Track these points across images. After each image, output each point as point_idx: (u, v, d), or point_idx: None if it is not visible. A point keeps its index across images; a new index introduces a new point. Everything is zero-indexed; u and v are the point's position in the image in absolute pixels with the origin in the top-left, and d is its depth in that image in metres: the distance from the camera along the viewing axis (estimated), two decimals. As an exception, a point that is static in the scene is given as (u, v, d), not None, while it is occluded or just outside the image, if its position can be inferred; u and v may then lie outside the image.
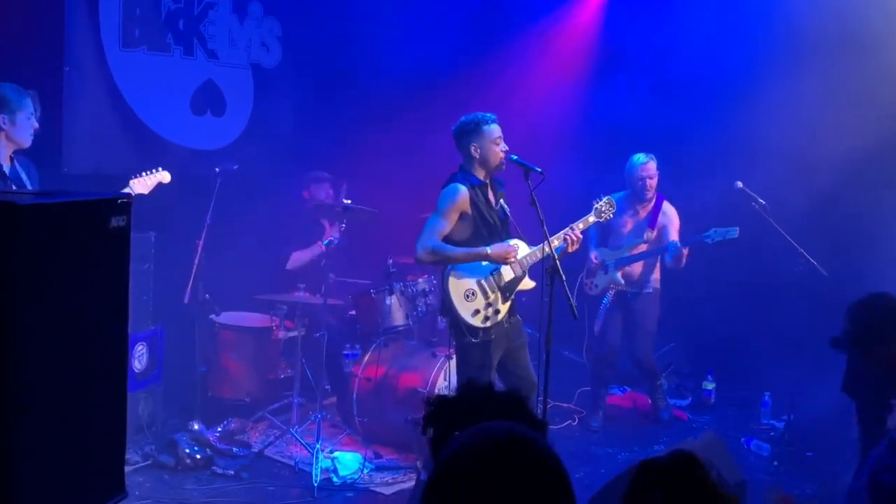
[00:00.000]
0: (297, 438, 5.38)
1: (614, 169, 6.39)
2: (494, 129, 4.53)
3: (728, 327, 6.61)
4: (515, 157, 4.47)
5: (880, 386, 3.41)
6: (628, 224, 6.10)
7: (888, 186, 5.86)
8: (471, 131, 4.53)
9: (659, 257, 6.02)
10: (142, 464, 5.02)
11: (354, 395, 5.56)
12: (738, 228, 5.66)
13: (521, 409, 1.95)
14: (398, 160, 6.90)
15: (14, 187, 4.11)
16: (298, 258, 6.22)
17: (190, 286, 5.38)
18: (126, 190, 4.64)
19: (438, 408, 1.99)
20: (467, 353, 4.53)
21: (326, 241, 5.61)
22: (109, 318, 2.61)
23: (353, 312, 5.98)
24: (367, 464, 5.17)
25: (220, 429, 5.51)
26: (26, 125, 4.15)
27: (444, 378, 5.39)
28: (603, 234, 6.18)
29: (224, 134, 6.64)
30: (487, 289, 4.54)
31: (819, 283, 5.70)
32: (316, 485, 4.86)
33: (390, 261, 5.81)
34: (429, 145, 6.22)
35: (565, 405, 6.44)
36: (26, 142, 4.18)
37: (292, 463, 5.22)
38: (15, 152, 4.20)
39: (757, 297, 6.58)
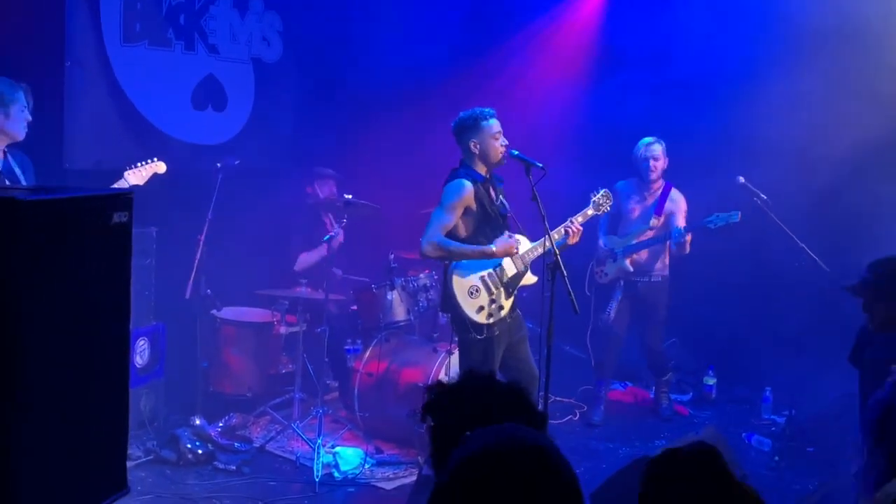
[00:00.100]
0: (298, 433, 5.39)
1: (614, 167, 6.39)
2: (493, 124, 4.51)
3: (729, 323, 6.62)
4: (516, 153, 4.47)
5: (883, 353, 3.43)
6: (636, 211, 6.12)
7: (890, 182, 5.85)
8: (469, 127, 4.51)
9: (667, 245, 6.02)
10: (143, 459, 5.03)
11: (356, 390, 5.57)
12: (739, 212, 5.68)
13: (521, 401, 1.95)
14: (399, 155, 6.91)
15: (7, 182, 4.09)
16: (306, 259, 6.22)
17: (191, 281, 5.38)
18: (120, 182, 4.63)
19: (438, 396, 1.99)
20: (470, 350, 4.52)
21: (327, 237, 5.61)
22: (111, 315, 2.61)
23: (355, 307, 5.99)
24: (368, 459, 5.18)
25: (221, 424, 5.51)
26: (20, 118, 4.14)
27: (446, 373, 5.39)
28: (612, 221, 6.21)
29: (225, 129, 6.64)
30: (491, 285, 4.54)
31: (821, 279, 5.69)
32: (317, 480, 4.87)
33: (391, 256, 5.82)
34: (429, 140, 6.22)
35: (566, 400, 6.45)
36: (20, 134, 4.17)
37: (294, 458, 5.23)
38: (9, 146, 4.20)
39: (758, 292, 6.58)
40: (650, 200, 6.09)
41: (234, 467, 5.03)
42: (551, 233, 4.31)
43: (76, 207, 2.46)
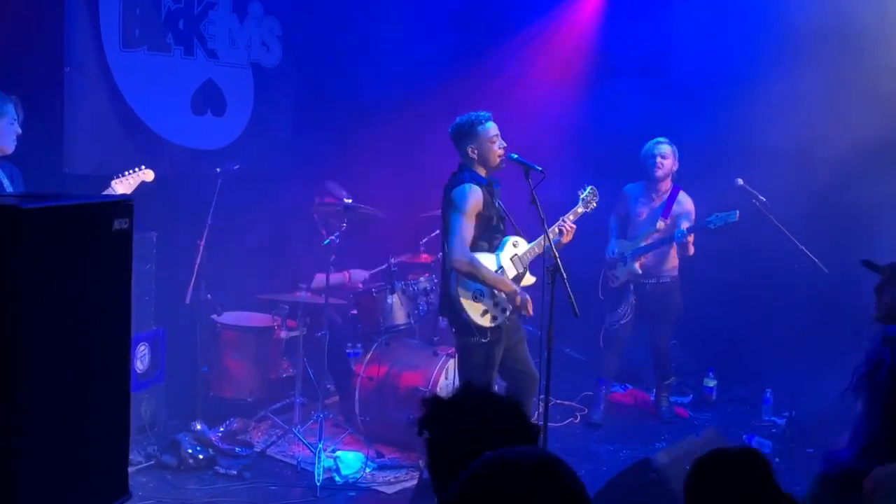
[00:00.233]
0: (299, 438, 5.39)
1: (613, 169, 6.40)
2: (490, 128, 4.50)
3: (729, 324, 6.63)
4: (516, 156, 4.47)
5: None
6: (643, 214, 6.16)
7: (889, 183, 5.86)
8: (466, 133, 4.51)
9: (675, 246, 6.04)
10: (144, 464, 5.02)
11: (356, 395, 5.57)
12: (738, 211, 5.71)
13: (517, 413, 1.96)
14: (398, 158, 6.91)
15: None
16: (321, 280, 6.15)
17: (192, 286, 5.39)
18: (108, 190, 4.63)
19: (435, 409, 1.99)
20: (471, 353, 4.52)
21: (327, 241, 5.61)
22: (112, 321, 2.61)
23: (355, 311, 5.99)
24: (369, 463, 5.18)
25: (222, 429, 5.51)
26: (9, 131, 4.14)
27: (446, 377, 5.40)
28: (622, 224, 6.26)
29: (224, 133, 6.64)
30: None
31: (820, 280, 5.71)
32: (318, 484, 4.86)
33: (392, 260, 5.82)
34: (429, 144, 6.22)
35: (567, 403, 6.45)
36: (9, 147, 4.17)
37: (294, 462, 5.23)
38: None
39: (758, 294, 6.59)
40: (658, 203, 6.11)
41: (234, 472, 5.03)
42: (546, 232, 4.33)
43: (78, 214, 2.48)
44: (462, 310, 4.45)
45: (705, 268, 6.23)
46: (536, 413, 4.57)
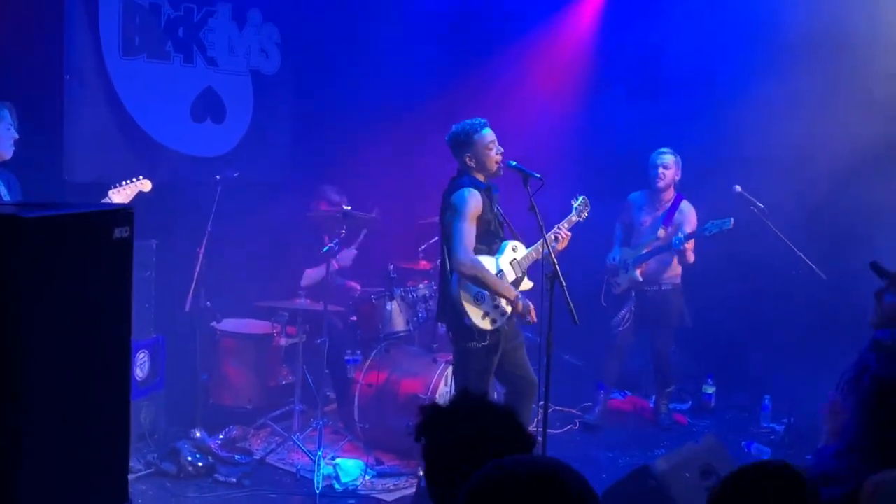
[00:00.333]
0: (298, 445, 5.38)
1: (611, 176, 6.42)
2: (486, 135, 4.52)
3: (727, 331, 6.64)
4: (514, 163, 4.48)
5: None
6: (646, 222, 6.22)
7: (887, 190, 5.87)
8: (462, 142, 4.52)
9: (675, 254, 6.06)
10: (144, 472, 5.02)
11: (356, 402, 5.57)
12: (732, 219, 5.74)
13: (513, 422, 1.97)
14: (397, 166, 6.93)
15: None
16: (311, 276, 6.18)
17: (191, 294, 5.39)
18: (104, 201, 4.64)
19: (432, 416, 2.00)
20: (469, 358, 4.52)
21: (327, 248, 5.61)
22: (113, 329, 2.62)
23: (354, 318, 5.99)
24: (368, 470, 5.18)
25: (221, 436, 5.51)
26: (6, 136, 4.15)
27: (446, 384, 5.40)
28: (626, 232, 6.32)
29: (224, 141, 6.66)
30: None
31: (818, 287, 5.72)
32: (318, 492, 4.86)
33: (390, 266, 5.83)
34: (428, 150, 6.23)
35: (566, 409, 6.46)
36: (7, 153, 4.18)
37: (294, 470, 5.23)
38: None
39: (756, 300, 6.59)
40: (661, 211, 6.15)
41: (234, 480, 5.03)
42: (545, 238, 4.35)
43: (78, 223, 2.48)
44: (464, 312, 4.44)
45: (704, 275, 6.25)
46: (536, 420, 4.57)
